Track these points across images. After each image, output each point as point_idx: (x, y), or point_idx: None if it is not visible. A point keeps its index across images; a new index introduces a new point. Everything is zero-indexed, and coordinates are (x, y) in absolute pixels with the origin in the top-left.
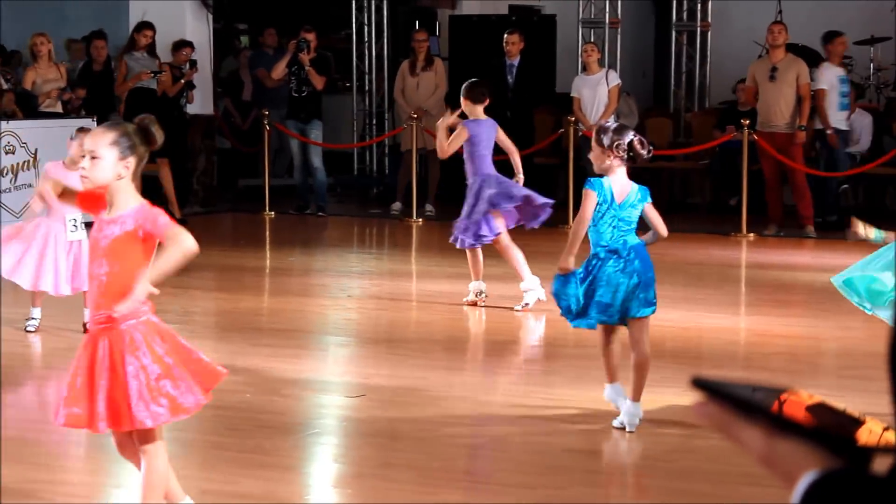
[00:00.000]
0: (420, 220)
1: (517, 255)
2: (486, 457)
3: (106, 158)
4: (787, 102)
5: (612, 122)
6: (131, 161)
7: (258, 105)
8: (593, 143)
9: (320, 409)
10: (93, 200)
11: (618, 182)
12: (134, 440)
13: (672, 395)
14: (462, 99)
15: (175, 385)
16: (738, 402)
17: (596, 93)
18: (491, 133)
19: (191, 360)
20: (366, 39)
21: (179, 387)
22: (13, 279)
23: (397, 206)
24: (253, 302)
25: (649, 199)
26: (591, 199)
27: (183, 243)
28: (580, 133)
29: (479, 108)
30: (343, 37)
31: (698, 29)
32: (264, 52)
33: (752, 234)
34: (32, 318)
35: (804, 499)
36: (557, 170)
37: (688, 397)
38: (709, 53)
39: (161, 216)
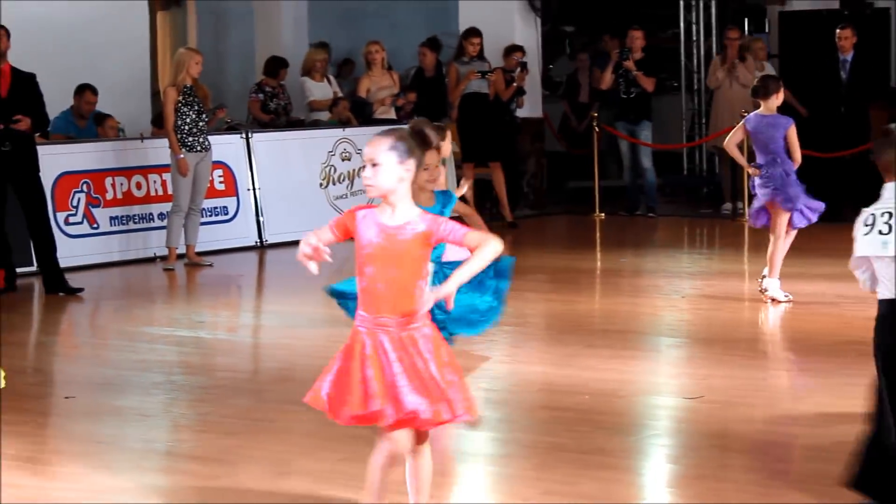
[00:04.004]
0: None
1: None
2: (825, 458)
3: (385, 164)
4: None
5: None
6: (410, 164)
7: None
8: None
9: (657, 411)
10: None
11: None
12: None
13: None
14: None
15: None
16: None
17: None
18: None
19: None
20: (694, 38)
21: None
22: None
23: (728, 206)
24: (586, 304)
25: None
26: None
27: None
28: None
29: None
30: (671, 36)
31: None
32: (605, 54)
33: None
34: None
35: None
36: None
37: None
38: None
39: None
